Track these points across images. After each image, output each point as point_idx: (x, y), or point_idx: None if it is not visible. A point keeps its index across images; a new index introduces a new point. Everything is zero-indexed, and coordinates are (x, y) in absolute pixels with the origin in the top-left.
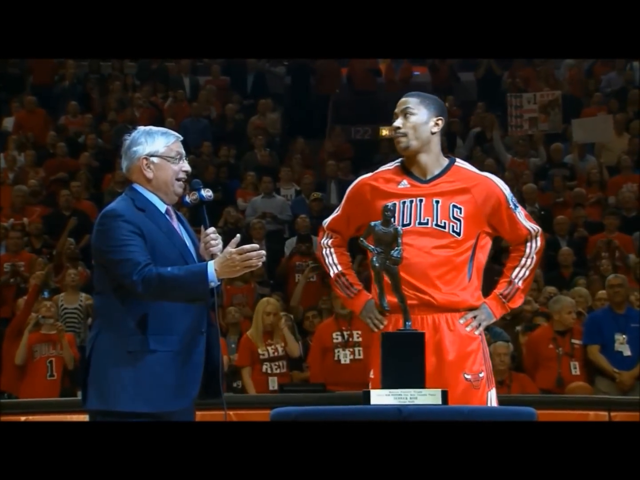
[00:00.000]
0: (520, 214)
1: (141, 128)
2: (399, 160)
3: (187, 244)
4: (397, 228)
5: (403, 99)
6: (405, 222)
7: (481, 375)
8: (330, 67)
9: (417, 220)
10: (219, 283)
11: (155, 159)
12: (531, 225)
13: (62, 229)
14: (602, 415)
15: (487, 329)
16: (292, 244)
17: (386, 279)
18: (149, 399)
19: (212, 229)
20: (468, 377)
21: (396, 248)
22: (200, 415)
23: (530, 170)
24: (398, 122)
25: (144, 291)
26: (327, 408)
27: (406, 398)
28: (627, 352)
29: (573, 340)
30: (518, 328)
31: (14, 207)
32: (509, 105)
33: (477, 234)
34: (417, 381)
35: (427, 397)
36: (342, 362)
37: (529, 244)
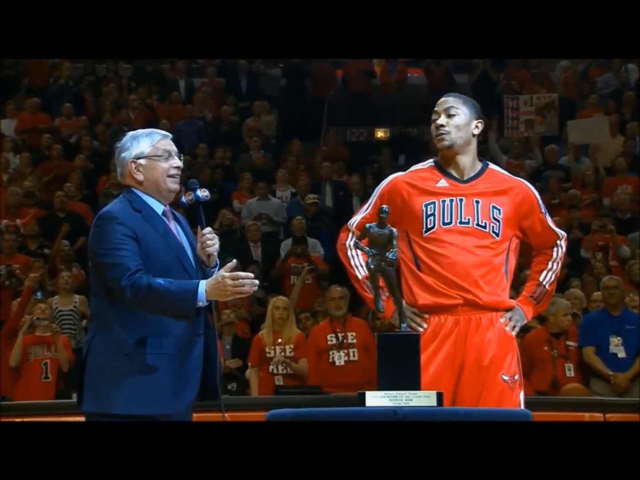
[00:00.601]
0: (549, 218)
1: (129, 133)
2: (432, 160)
3: (184, 246)
4: (392, 230)
5: (445, 99)
6: (446, 221)
7: (516, 377)
8: (325, 69)
9: (459, 219)
10: (206, 304)
11: (142, 161)
12: (559, 230)
13: (57, 233)
14: (598, 417)
15: None
16: (287, 245)
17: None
18: (144, 401)
19: (208, 229)
20: (505, 378)
21: (391, 250)
22: (196, 417)
23: (526, 172)
24: (442, 120)
25: (131, 298)
26: (323, 410)
27: (401, 400)
28: (622, 354)
29: (568, 342)
30: None
31: (8, 209)
32: (506, 107)
33: (510, 237)
34: (413, 383)
35: (422, 398)
36: (337, 363)
37: (556, 249)
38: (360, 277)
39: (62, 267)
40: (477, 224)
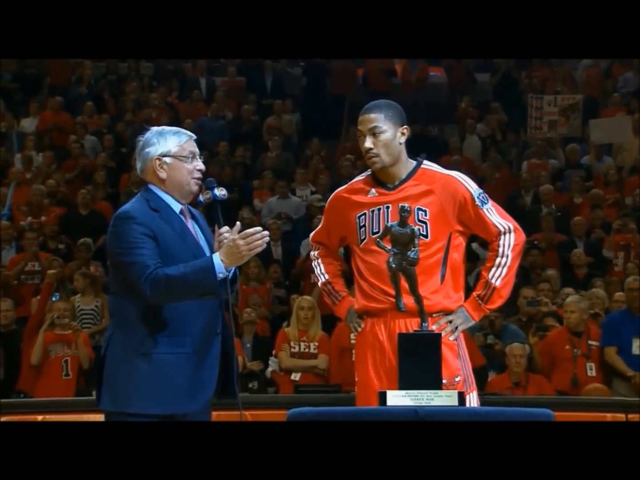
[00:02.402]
0: (491, 210)
1: (154, 128)
2: (370, 170)
3: (201, 244)
4: (413, 229)
5: (367, 116)
6: (374, 230)
7: (457, 379)
8: (346, 68)
9: None
10: (226, 273)
11: (168, 159)
12: (501, 221)
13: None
14: (620, 417)
15: (504, 330)
16: (307, 244)
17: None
18: (161, 401)
19: (225, 228)
20: (443, 381)
21: (413, 249)
22: (215, 416)
23: (548, 172)
24: (369, 143)
25: (153, 294)
26: (343, 409)
27: (423, 399)
28: None
29: (590, 342)
30: (532, 328)
31: (31, 207)
32: (530, 107)
33: (449, 234)
34: (434, 382)
35: (443, 398)
36: None
37: (501, 242)
38: (320, 284)
39: (82, 269)
40: None
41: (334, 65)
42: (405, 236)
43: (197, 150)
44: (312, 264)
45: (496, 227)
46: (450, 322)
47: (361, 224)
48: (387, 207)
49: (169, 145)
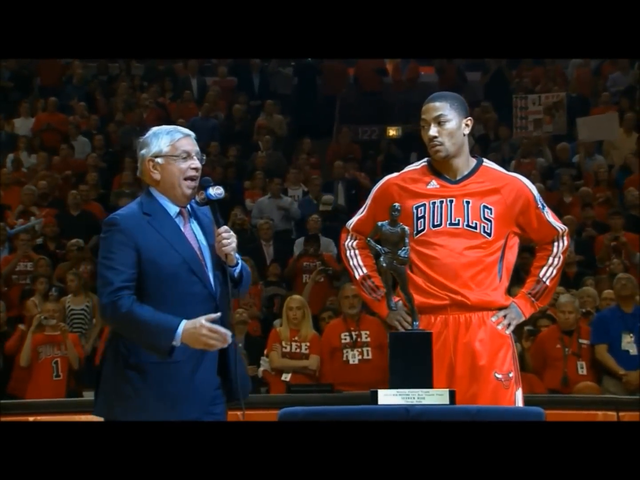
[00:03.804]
0: (548, 213)
1: (152, 129)
2: (425, 160)
3: (202, 247)
4: (404, 228)
5: (432, 105)
6: (436, 223)
7: (511, 375)
8: (337, 67)
9: (448, 221)
10: (179, 344)
11: (159, 160)
12: (559, 225)
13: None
14: (611, 416)
15: None
16: (300, 243)
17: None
18: (151, 411)
19: (224, 228)
20: (499, 376)
21: (403, 248)
22: None
23: (537, 171)
24: (434, 131)
25: (110, 317)
26: (335, 408)
27: (414, 398)
28: (634, 351)
29: (580, 340)
30: (526, 328)
31: (22, 208)
32: (515, 107)
33: (507, 235)
34: (425, 381)
35: (434, 397)
36: (351, 362)
37: (556, 244)
38: (357, 277)
39: (72, 270)
40: (467, 225)
41: (324, 65)
42: (395, 235)
43: (194, 149)
44: (347, 253)
45: (556, 229)
46: (505, 316)
47: (419, 215)
48: (451, 201)
49: (161, 145)
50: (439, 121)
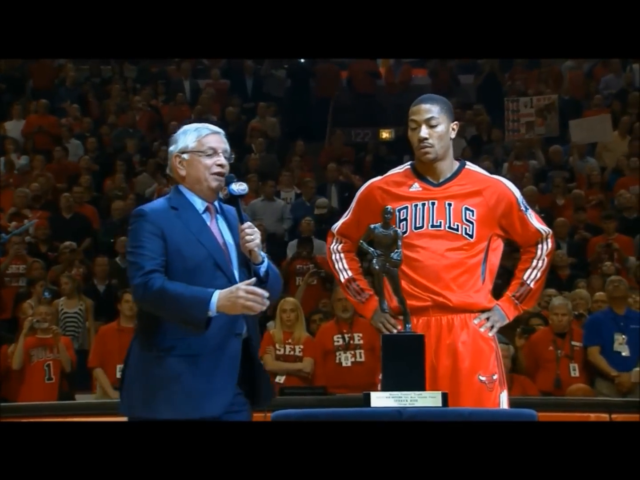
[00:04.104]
0: (531, 215)
1: (184, 126)
2: (409, 163)
3: (227, 243)
4: (396, 230)
5: (424, 106)
6: (417, 225)
7: (494, 377)
8: (330, 70)
9: (430, 223)
10: (215, 314)
11: (185, 155)
12: (542, 227)
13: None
14: (603, 417)
15: None
16: (294, 246)
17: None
18: (170, 406)
19: (247, 224)
20: (482, 378)
21: (396, 250)
22: None
23: (530, 173)
24: (425, 133)
25: (142, 297)
26: (328, 411)
27: (406, 400)
28: (626, 353)
29: (573, 342)
30: (518, 330)
31: (14, 210)
32: (506, 110)
33: (489, 237)
34: (418, 383)
35: (427, 399)
36: (344, 364)
37: (540, 246)
38: (342, 280)
39: (66, 272)
40: (449, 227)
41: (317, 68)
42: (388, 238)
43: (221, 146)
44: (332, 257)
45: (539, 232)
46: (488, 319)
47: (402, 217)
48: (433, 203)
49: (188, 141)
50: (430, 124)
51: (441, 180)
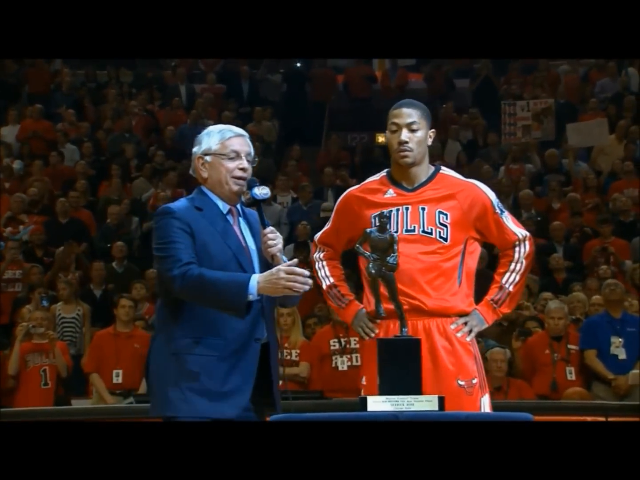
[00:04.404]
0: (507, 218)
1: (208, 127)
2: (385, 170)
3: (249, 247)
4: (392, 234)
5: (406, 110)
6: (392, 231)
7: (474, 381)
8: (325, 74)
9: (404, 228)
10: (257, 297)
11: (208, 158)
12: (519, 230)
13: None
14: (600, 421)
15: (481, 336)
16: (290, 250)
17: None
18: (188, 405)
19: (270, 229)
20: (461, 383)
21: (392, 254)
22: None
23: (527, 177)
24: (405, 136)
25: (181, 287)
26: (325, 415)
27: (403, 404)
28: (623, 356)
29: (569, 346)
30: (515, 333)
31: (10, 215)
32: (503, 113)
33: (465, 240)
34: (414, 387)
35: (423, 403)
36: (340, 368)
37: (517, 249)
38: (324, 287)
39: (61, 276)
40: (423, 231)
41: (313, 72)
42: (384, 242)
43: (244, 149)
44: (316, 266)
45: (515, 234)
46: (466, 323)
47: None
48: (407, 209)
49: (211, 143)
50: (412, 128)
51: (415, 186)
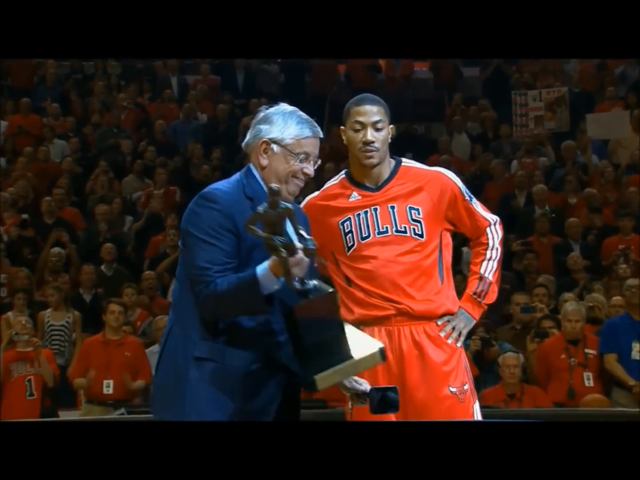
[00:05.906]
0: (477, 204)
1: (283, 106)
2: (343, 171)
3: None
4: (287, 206)
5: (370, 108)
6: (364, 235)
7: (465, 387)
8: (326, 64)
9: (376, 230)
10: (279, 284)
11: (275, 147)
12: (489, 215)
13: (45, 240)
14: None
15: (495, 340)
16: None
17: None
18: (197, 412)
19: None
20: (453, 389)
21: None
22: None
23: (540, 171)
24: (371, 136)
25: (204, 311)
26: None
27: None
28: None
29: (587, 350)
30: (530, 334)
31: None
32: (514, 104)
33: (439, 233)
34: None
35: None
36: None
37: (490, 235)
38: None
39: (50, 279)
40: (397, 230)
41: (313, 62)
42: (276, 217)
43: (313, 151)
44: None
45: (486, 219)
46: (454, 328)
47: (347, 230)
48: (375, 209)
49: (286, 133)
50: (377, 127)
51: (380, 184)
